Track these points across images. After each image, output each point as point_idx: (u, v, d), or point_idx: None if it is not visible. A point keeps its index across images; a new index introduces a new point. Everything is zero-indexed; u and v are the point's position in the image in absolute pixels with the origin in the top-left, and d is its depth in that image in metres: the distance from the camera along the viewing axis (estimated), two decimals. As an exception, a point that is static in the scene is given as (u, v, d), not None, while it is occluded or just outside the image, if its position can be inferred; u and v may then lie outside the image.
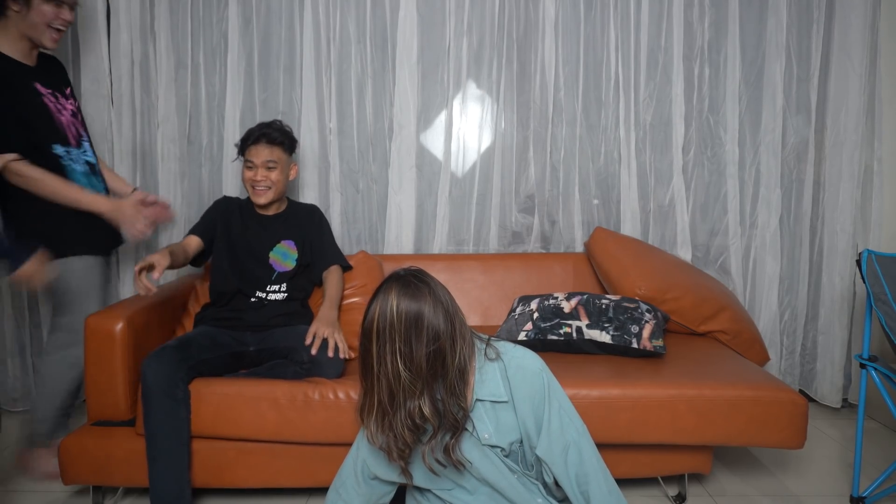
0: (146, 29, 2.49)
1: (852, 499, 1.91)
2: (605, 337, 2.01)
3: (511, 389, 1.36)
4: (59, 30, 1.92)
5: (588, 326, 2.03)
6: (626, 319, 2.02)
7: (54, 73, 2.07)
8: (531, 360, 1.39)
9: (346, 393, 1.76)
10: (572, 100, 2.59)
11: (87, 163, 2.05)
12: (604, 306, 2.07)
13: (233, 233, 2.18)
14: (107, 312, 1.88)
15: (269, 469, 1.80)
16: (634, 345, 1.98)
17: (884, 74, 2.57)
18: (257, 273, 2.14)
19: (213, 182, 2.58)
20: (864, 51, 2.53)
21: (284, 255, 2.19)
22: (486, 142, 2.63)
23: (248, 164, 2.15)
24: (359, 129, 2.59)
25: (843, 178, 2.60)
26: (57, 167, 1.92)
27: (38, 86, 1.94)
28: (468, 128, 2.62)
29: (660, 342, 1.99)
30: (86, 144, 2.08)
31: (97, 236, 2.03)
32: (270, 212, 2.22)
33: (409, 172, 2.59)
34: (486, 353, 1.38)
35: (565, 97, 2.59)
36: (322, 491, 1.95)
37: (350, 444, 1.52)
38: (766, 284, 2.65)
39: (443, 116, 2.60)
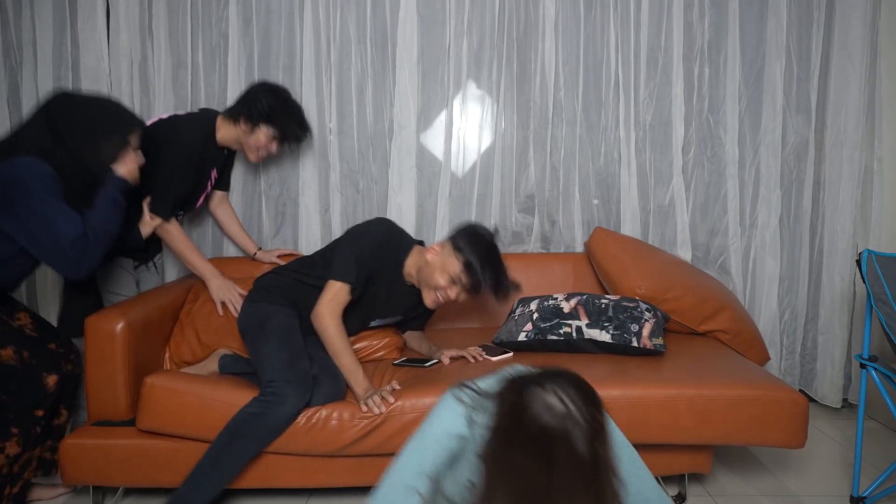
0: (145, 29, 2.49)
1: (852, 499, 1.91)
2: (604, 336, 2.01)
3: None
4: (263, 154, 2.26)
5: (588, 326, 2.03)
6: (626, 318, 2.02)
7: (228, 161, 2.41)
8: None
9: (351, 413, 1.76)
10: (572, 100, 2.59)
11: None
12: (603, 306, 2.07)
13: (375, 277, 1.95)
14: (107, 312, 1.88)
15: (270, 469, 1.80)
16: (634, 343, 1.98)
17: (884, 74, 2.57)
18: (354, 324, 2.02)
19: (212, 182, 2.58)
20: (865, 51, 2.54)
21: (391, 317, 2.15)
22: (486, 142, 2.63)
23: (452, 283, 1.91)
24: (359, 129, 2.59)
25: (843, 177, 2.60)
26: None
27: (215, 172, 2.30)
28: (468, 128, 2.62)
29: (660, 340, 1.99)
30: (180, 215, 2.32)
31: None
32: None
33: (409, 172, 2.58)
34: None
35: (565, 97, 2.59)
36: (322, 491, 1.95)
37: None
38: (766, 284, 2.65)
39: (443, 116, 2.60)
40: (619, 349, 2.00)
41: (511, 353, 2.06)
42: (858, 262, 1.89)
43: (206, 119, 2.21)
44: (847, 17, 2.54)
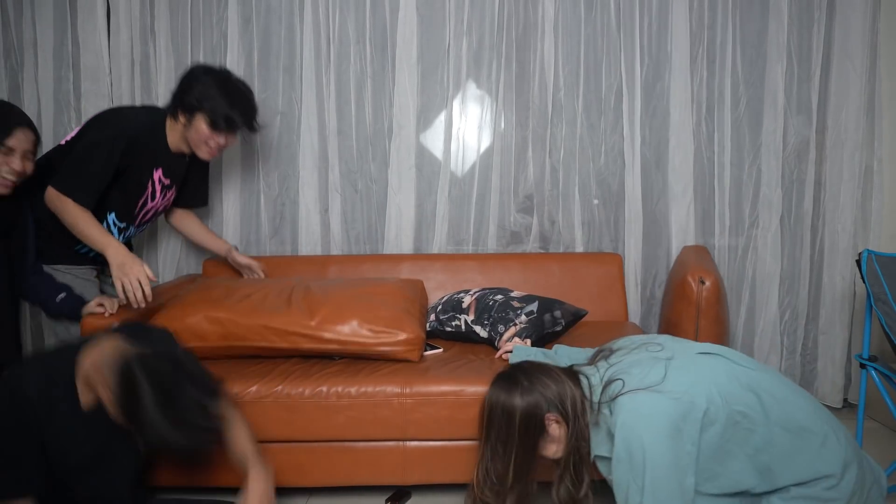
0: (146, 29, 2.50)
1: (852, 499, 1.90)
2: (483, 333, 2.09)
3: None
4: (214, 148, 2.03)
5: (472, 322, 2.13)
6: (499, 319, 2.07)
7: (181, 169, 2.15)
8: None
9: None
10: (572, 100, 2.59)
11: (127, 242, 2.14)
12: (491, 303, 2.13)
13: None
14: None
15: (268, 469, 1.80)
16: (496, 344, 2.05)
17: (884, 75, 2.57)
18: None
19: (212, 181, 2.58)
20: (865, 51, 2.53)
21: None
22: (486, 142, 2.63)
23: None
24: (358, 129, 2.59)
25: (844, 178, 2.59)
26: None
27: (159, 174, 2.04)
28: (468, 128, 2.62)
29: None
30: (135, 229, 2.14)
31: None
32: None
33: (409, 172, 2.59)
34: None
35: (565, 97, 2.59)
36: (322, 491, 1.95)
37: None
38: (766, 284, 2.64)
39: (442, 116, 2.60)
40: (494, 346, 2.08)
41: (441, 349, 2.09)
42: (858, 262, 1.88)
43: (156, 115, 2.00)
44: (847, 18, 2.53)
